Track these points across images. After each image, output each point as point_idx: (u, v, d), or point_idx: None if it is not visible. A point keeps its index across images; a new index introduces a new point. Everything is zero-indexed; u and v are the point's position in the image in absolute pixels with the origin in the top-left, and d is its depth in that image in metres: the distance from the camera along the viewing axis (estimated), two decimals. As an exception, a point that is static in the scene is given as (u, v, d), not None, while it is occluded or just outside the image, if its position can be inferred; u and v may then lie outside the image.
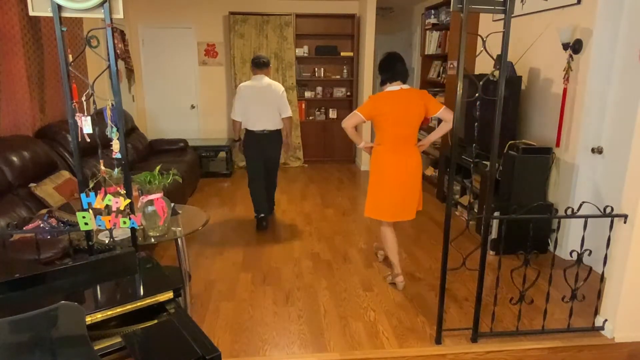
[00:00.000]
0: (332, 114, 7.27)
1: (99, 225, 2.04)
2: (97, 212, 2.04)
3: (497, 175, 3.86)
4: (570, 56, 3.46)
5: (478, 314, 2.52)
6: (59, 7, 1.87)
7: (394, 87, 3.03)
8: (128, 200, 2.06)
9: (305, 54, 7.02)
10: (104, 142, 2.07)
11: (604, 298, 2.65)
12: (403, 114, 2.97)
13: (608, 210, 2.46)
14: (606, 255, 2.58)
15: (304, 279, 3.35)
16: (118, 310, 1.42)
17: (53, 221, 2.83)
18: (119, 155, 2.05)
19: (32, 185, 3.29)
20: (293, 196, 5.49)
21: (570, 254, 2.71)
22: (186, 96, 7.09)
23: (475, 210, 4.26)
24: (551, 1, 3.70)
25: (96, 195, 2.01)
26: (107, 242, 2.36)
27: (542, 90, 3.91)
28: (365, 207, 3.23)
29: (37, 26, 3.92)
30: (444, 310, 2.55)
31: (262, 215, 4.39)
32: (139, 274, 1.66)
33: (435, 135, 3.14)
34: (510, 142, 3.80)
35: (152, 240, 2.66)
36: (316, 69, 7.12)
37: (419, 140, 3.18)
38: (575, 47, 3.42)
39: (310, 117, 7.26)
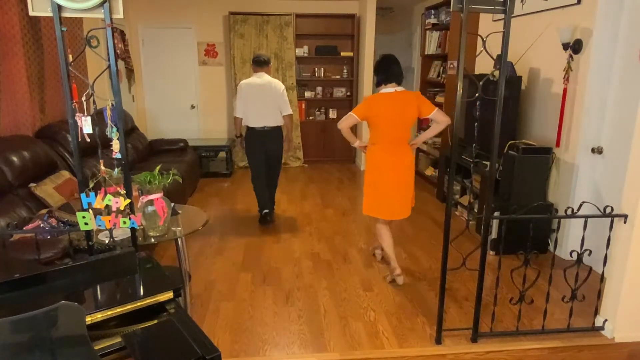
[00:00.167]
0: (332, 114, 7.27)
1: (99, 225, 2.04)
2: (97, 212, 2.04)
3: (497, 175, 3.86)
4: (570, 56, 3.46)
5: (478, 314, 2.52)
6: (59, 7, 1.87)
7: (389, 89, 3.10)
8: (128, 200, 2.06)
9: (305, 54, 7.02)
10: (104, 142, 2.07)
11: (604, 298, 2.65)
12: (397, 115, 3.05)
13: (608, 210, 2.46)
14: (606, 255, 2.58)
15: (304, 279, 3.35)
16: (118, 310, 1.42)
17: (53, 221, 2.83)
18: (119, 155, 2.05)
19: (32, 185, 3.29)
20: (293, 196, 5.49)
21: (570, 254, 2.71)
22: (186, 96, 7.09)
23: (475, 210, 4.26)
24: (551, 1, 3.70)
25: (96, 195, 2.01)
26: (107, 242, 2.36)
27: (542, 90, 3.91)
28: (363, 206, 3.31)
29: (37, 26, 3.92)
30: (444, 310, 2.55)
31: (267, 211, 4.48)
32: (139, 274, 1.66)
33: (427, 135, 3.25)
34: (510, 142, 3.80)
35: (152, 240, 2.66)
36: (316, 69, 7.12)
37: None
38: (575, 47, 3.42)
39: (310, 117, 7.26)
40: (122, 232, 2.50)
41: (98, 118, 2.01)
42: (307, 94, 7.17)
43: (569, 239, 3.61)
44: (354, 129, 6.77)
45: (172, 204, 2.88)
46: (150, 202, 2.55)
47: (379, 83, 3.16)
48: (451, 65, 5.17)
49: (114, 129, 2.01)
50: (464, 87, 2.23)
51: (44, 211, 2.96)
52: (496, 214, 3.30)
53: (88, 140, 1.99)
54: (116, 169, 2.07)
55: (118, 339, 1.38)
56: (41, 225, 2.78)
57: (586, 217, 2.48)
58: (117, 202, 2.02)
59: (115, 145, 2.03)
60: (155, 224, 2.61)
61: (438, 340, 2.56)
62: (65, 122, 4.06)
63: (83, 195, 2.02)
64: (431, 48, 6.10)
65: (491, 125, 2.29)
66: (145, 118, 7.03)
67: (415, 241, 4.10)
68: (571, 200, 3.55)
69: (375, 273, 3.45)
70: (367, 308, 2.96)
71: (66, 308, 1.18)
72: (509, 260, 3.10)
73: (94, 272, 1.59)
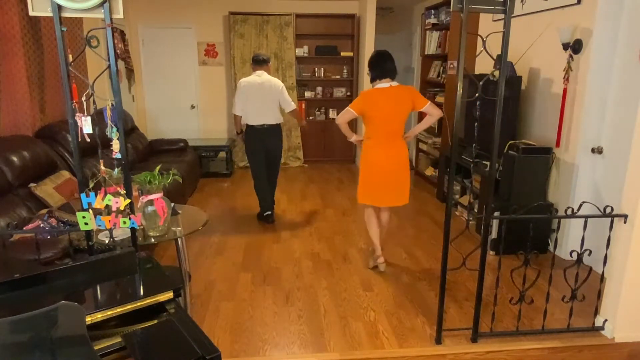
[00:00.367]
0: (332, 114, 7.27)
1: (99, 225, 2.04)
2: (97, 212, 2.04)
3: (497, 175, 3.86)
4: (570, 56, 3.46)
5: (478, 314, 2.52)
6: (59, 7, 1.87)
7: (384, 84, 3.22)
8: (128, 200, 2.06)
9: (305, 54, 7.02)
10: (104, 142, 2.07)
11: (604, 298, 2.65)
12: (392, 109, 3.16)
13: (608, 210, 2.46)
14: (606, 255, 2.58)
15: (304, 279, 3.35)
16: (118, 310, 1.42)
17: (53, 221, 2.83)
18: (119, 155, 2.05)
19: (32, 185, 3.29)
20: (293, 196, 5.49)
21: (570, 254, 2.71)
22: (186, 96, 7.09)
23: (475, 210, 4.26)
24: (551, 1, 3.70)
25: (96, 195, 2.01)
26: (107, 242, 2.36)
27: (542, 90, 3.90)
28: (357, 196, 3.46)
29: (37, 26, 3.92)
30: (444, 310, 2.55)
31: (269, 212, 4.52)
32: (139, 274, 1.66)
33: (420, 128, 3.40)
34: (510, 142, 3.80)
35: (152, 240, 2.66)
36: (316, 69, 7.12)
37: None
38: (575, 47, 3.42)
39: (311, 117, 7.25)
40: (122, 232, 2.50)
41: (98, 118, 2.01)
42: (307, 94, 7.17)
43: (569, 239, 3.61)
44: (355, 126, 6.82)
45: (172, 204, 2.88)
46: (150, 202, 2.55)
47: (373, 79, 3.30)
48: (451, 65, 5.17)
49: (114, 129, 2.01)
50: (464, 87, 2.23)
51: (44, 211, 2.96)
52: (496, 214, 3.30)
53: (88, 140, 1.99)
54: (116, 169, 2.07)
55: (118, 339, 1.38)
56: (41, 225, 2.78)
57: (586, 217, 2.48)
58: (117, 202, 2.02)
59: (115, 145, 2.02)
60: (155, 224, 2.61)
61: (438, 340, 2.56)
62: (65, 122, 4.06)
63: (83, 195, 2.02)
64: (431, 48, 6.10)
65: (491, 125, 2.29)
66: (145, 118, 7.03)
67: (415, 241, 4.10)
68: (571, 200, 3.55)
69: (375, 273, 3.45)
70: (367, 308, 2.96)
71: (66, 308, 1.18)
72: (509, 260, 3.09)
73: (94, 272, 1.59)
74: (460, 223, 4.37)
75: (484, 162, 4.01)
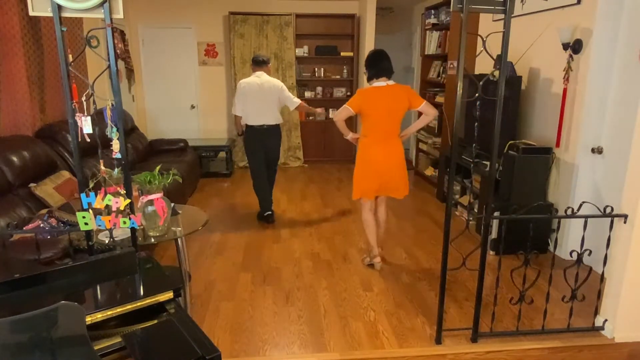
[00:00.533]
0: (332, 114, 7.26)
1: (99, 225, 2.04)
2: (97, 212, 2.04)
3: (497, 175, 3.86)
4: (570, 56, 3.46)
5: (478, 314, 2.52)
6: (59, 7, 1.87)
7: (380, 82, 3.24)
8: (128, 200, 2.06)
9: (305, 54, 7.02)
10: (104, 142, 2.07)
11: (604, 298, 2.65)
12: (388, 108, 3.20)
13: (608, 210, 2.46)
14: (606, 255, 2.58)
15: (304, 279, 3.35)
16: (118, 310, 1.42)
17: (53, 221, 2.83)
18: (119, 155, 2.05)
19: (32, 185, 3.29)
20: (293, 196, 5.49)
21: (570, 254, 2.71)
22: (186, 96, 7.09)
23: (475, 210, 4.26)
24: (551, 1, 3.70)
25: (96, 195, 2.01)
26: (107, 242, 2.36)
27: (542, 90, 3.90)
28: (352, 192, 3.47)
29: (37, 26, 3.92)
30: (444, 310, 2.55)
31: (269, 212, 4.52)
32: (139, 274, 1.66)
33: (416, 127, 3.41)
34: (510, 142, 3.80)
35: (152, 240, 2.66)
36: (316, 69, 7.12)
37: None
38: (575, 47, 3.42)
39: (310, 117, 7.25)
40: (122, 232, 2.50)
41: (98, 118, 2.01)
42: (307, 94, 7.17)
43: (569, 239, 3.61)
44: (355, 126, 6.82)
45: (172, 204, 2.88)
46: (150, 202, 2.55)
47: (370, 78, 3.31)
48: (451, 65, 5.17)
49: (114, 129, 2.01)
50: (464, 87, 2.23)
51: (44, 211, 2.96)
52: (496, 214, 3.30)
53: (88, 140, 1.99)
54: (116, 169, 2.07)
55: (118, 339, 1.38)
56: (41, 225, 2.78)
57: (586, 217, 2.48)
58: (117, 202, 2.02)
59: (115, 145, 2.03)
60: (155, 224, 2.61)
61: (438, 340, 2.55)
62: (65, 122, 4.06)
63: (83, 195, 2.02)
64: (431, 48, 6.10)
65: (491, 125, 2.29)
66: (145, 118, 7.03)
67: (415, 241, 4.10)
68: (571, 200, 3.55)
69: (375, 273, 3.45)
70: (367, 308, 2.96)
71: (66, 308, 1.18)
72: (509, 260, 3.10)
73: (94, 272, 1.59)
74: (460, 223, 4.37)
75: (484, 162, 4.01)
